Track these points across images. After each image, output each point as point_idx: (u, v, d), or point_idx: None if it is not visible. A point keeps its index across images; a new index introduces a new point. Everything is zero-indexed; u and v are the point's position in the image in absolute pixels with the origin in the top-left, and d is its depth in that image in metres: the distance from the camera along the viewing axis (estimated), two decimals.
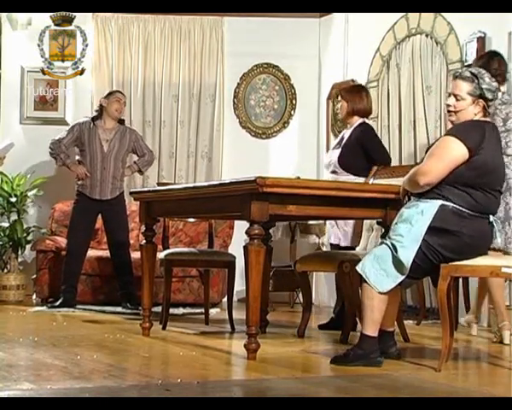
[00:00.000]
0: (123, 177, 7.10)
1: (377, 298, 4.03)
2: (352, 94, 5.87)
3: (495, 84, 4.12)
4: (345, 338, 5.05)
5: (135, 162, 7.19)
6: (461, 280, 5.92)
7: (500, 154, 4.11)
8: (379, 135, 7.37)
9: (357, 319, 5.32)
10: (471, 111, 4.08)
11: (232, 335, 5.47)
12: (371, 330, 4.08)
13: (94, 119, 7.00)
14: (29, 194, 7.66)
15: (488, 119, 4.13)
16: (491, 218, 4.05)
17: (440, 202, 3.98)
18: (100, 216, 7.02)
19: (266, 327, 5.48)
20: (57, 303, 6.74)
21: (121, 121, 7.07)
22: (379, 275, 4.02)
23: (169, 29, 8.21)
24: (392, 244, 4.02)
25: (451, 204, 3.97)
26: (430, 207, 3.98)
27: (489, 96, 4.07)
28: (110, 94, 7.04)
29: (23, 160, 7.89)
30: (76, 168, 6.97)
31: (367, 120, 5.90)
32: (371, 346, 4.08)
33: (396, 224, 4.09)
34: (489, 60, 5.60)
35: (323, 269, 5.48)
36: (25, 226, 7.61)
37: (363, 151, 5.73)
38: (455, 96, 4.11)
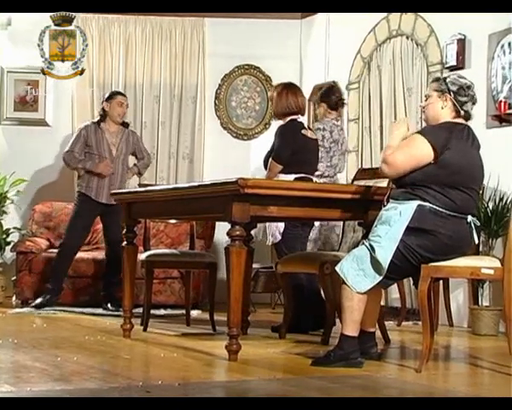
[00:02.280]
0: (126, 180, 7.06)
1: (356, 298, 4.05)
2: (272, 97, 5.74)
3: (464, 81, 4.15)
4: (326, 339, 5.06)
5: (135, 165, 7.12)
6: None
7: (474, 153, 4.13)
8: (356, 137, 7.41)
9: (338, 320, 5.34)
10: (438, 105, 4.15)
11: (213, 336, 5.46)
12: (351, 330, 4.09)
13: (99, 122, 6.90)
14: (9, 195, 7.62)
15: (462, 120, 4.15)
16: (470, 218, 4.08)
17: (418, 202, 4.01)
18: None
19: (247, 328, 5.48)
20: (39, 300, 6.68)
21: (125, 125, 7.01)
22: (357, 275, 4.04)
23: (150, 30, 8.19)
24: (371, 245, 4.04)
25: (429, 204, 4.00)
26: (408, 208, 4.01)
27: (453, 88, 4.12)
28: (111, 97, 6.93)
29: (3, 161, 7.85)
30: (102, 168, 6.80)
31: (301, 119, 5.67)
32: (351, 346, 4.09)
33: (375, 226, 4.12)
34: (330, 88, 6.32)
35: (305, 270, 5.48)
36: (4, 228, 7.56)
37: None
38: (426, 97, 4.26)
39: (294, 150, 5.55)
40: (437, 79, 4.24)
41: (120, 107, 6.89)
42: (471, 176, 4.09)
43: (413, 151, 4.03)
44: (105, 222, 6.98)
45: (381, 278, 4.03)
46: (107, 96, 7.02)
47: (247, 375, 3.91)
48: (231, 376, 3.89)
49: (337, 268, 4.12)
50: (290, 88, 5.70)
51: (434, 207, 4.00)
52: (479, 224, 4.22)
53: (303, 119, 5.74)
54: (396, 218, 4.02)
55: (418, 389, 3.63)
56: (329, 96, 6.30)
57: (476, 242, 4.13)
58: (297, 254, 5.52)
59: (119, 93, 7.08)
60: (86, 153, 6.87)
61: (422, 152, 4.01)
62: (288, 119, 5.65)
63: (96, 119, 7.02)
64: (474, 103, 4.16)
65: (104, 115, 6.91)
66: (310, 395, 3.40)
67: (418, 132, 4.13)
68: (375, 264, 4.02)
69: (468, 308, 6.01)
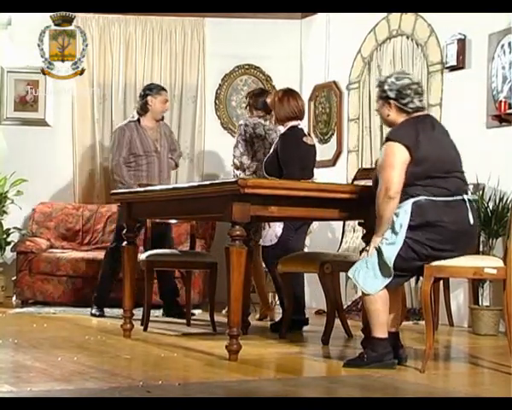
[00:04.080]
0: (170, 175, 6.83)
1: (380, 300, 4.06)
2: (273, 102, 5.81)
3: (401, 82, 4.19)
4: (326, 339, 5.06)
5: (171, 158, 6.79)
6: None
7: (443, 139, 4.17)
8: (357, 137, 7.40)
9: (339, 320, 5.34)
10: (384, 113, 4.25)
11: (214, 336, 5.46)
12: (381, 332, 4.09)
13: (139, 120, 6.56)
14: (9, 195, 7.62)
15: (420, 113, 4.18)
16: (465, 197, 4.09)
17: (412, 200, 4.03)
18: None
19: (248, 328, 5.48)
20: (95, 311, 6.44)
21: (161, 118, 6.73)
22: (367, 277, 4.06)
23: (150, 30, 8.19)
24: (379, 247, 4.06)
25: (423, 198, 4.02)
26: (404, 209, 4.03)
27: (392, 94, 4.18)
28: (156, 92, 6.56)
29: (3, 161, 7.84)
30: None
31: (301, 125, 5.76)
32: (384, 348, 4.09)
33: None
34: (260, 93, 6.60)
35: (305, 270, 5.48)
36: (5, 227, 7.57)
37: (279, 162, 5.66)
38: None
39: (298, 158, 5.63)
40: (379, 85, 4.28)
41: (165, 104, 6.60)
42: (449, 162, 4.12)
43: (396, 160, 4.04)
44: (153, 225, 6.32)
45: (390, 278, 4.03)
46: (149, 88, 6.64)
47: (247, 375, 3.90)
48: (231, 376, 3.88)
49: (349, 273, 4.15)
50: (291, 93, 5.82)
51: (429, 198, 4.02)
52: (476, 198, 4.21)
53: (302, 124, 5.81)
54: (394, 219, 4.03)
55: (418, 389, 3.63)
56: (258, 99, 6.50)
57: (472, 222, 4.09)
58: (297, 254, 5.52)
59: (163, 89, 6.71)
60: (132, 155, 6.49)
61: (403, 157, 4.04)
62: (290, 124, 5.72)
63: (134, 117, 6.63)
64: (420, 94, 4.21)
65: (145, 110, 6.56)
66: (310, 395, 3.40)
67: (388, 139, 4.14)
68: (384, 266, 4.04)
69: (469, 308, 6.01)
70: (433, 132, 4.15)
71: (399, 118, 4.20)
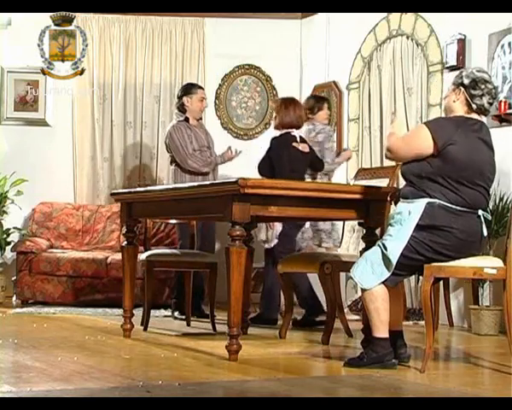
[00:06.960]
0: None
1: (380, 298, 4.05)
2: (280, 108, 5.95)
3: (480, 74, 4.11)
4: (327, 339, 5.06)
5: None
6: None
7: (483, 149, 4.11)
8: (356, 136, 7.41)
9: (338, 319, 5.34)
10: (451, 98, 4.16)
11: (214, 336, 5.47)
12: (382, 331, 4.09)
13: (187, 119, 6.48)
14: (9, 195, 7.62)
15: (475, 115, 4.11)
16: (480, 212, 4.08)
17: (427, 199, 4.01)
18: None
19: (248, 328, 5.48)
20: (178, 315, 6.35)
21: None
22: (364, 272, 4.07)
23: (150, 30, 8.19)
24: (383, 243, 4.07)
25: (438, 201, 4.00)
26: (417, 207, 4.02)
27: (466, 81, 4.10)
28: (191, 92, 6.51)
29: (3, 161, 7.85)
30: (228, 156, 6.55)
31: (295, 132, 5.90)
32: (385, 348, 4.08)
33: (388, 226, 4.15)
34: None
35: (305, 270, 5.48)
36: (5, 227, 7.57)
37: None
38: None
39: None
40: (457, 74, 4.22)
41: (201, 102, 6.53)
42: (478, 172, 4.06)
43: (415, 143, 4.05)
44: (201, 227, 6.38)
45: (388, 275, 4.03)
46: (184, 89, 6.57)
47: (247, 375, 3.90)
48: (231, 376, 3.88)
49: (351, 270, 4.16)
50: (297, 102, 6.08)
51: (444, 203, 3.99)
52: (490, 218, 4.21)
53: (297, 132, 5.95)
54: (406, 217, 4.03)
55: (418, 389, 3.63)
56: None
57: (485, 234, 4.11)
58: (298, 254, 5.53)
59: (198, 87, 6.67)
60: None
61: (423, 144, 4.02)
62: (284, 131, 5.91)
63: (179, 117, 6.54)
64: (492, 97, 4.11)
65: (183, 111, 6.50)
66: (310, 394, 3.39)
67: (424, 123, 4.14)
68: (385, 261, 4.04)
69: (469, 308, 6.00)
70: (476, 138, 4.07)
71: (460, 111, 4.12)
